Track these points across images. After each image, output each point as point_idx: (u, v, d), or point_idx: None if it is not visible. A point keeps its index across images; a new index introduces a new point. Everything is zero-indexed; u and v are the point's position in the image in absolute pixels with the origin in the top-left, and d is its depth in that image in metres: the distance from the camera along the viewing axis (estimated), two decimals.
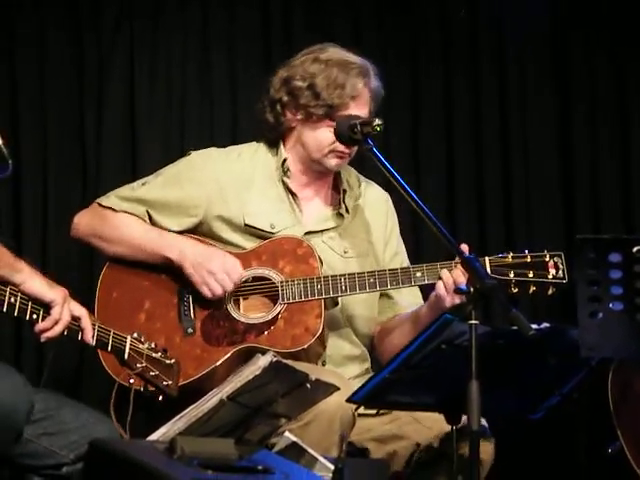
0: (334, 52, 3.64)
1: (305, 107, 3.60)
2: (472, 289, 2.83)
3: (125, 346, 3.21)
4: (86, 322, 3.11)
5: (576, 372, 3.08)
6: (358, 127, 3.39)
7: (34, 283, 3.04)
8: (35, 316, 3.04)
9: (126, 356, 3.21)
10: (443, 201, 4.85)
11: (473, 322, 2.78)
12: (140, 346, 3.25)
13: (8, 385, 2.99)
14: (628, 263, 2.82)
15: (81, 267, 4.40)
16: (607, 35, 4.96)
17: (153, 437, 2.77)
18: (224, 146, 3.78)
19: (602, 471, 3.95)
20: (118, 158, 4.63)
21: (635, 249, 2.82)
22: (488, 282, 2.84)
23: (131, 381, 3.23)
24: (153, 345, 3.29)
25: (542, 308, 4.53)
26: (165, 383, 3.30)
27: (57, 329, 3.05)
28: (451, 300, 3.44)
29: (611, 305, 2.82)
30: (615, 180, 4.94)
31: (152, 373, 3.26)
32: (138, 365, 3.22)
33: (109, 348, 3.18)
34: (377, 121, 3.36)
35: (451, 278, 3.45)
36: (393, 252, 3.75)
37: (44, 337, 3.05)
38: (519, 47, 4.95)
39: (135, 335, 3.26)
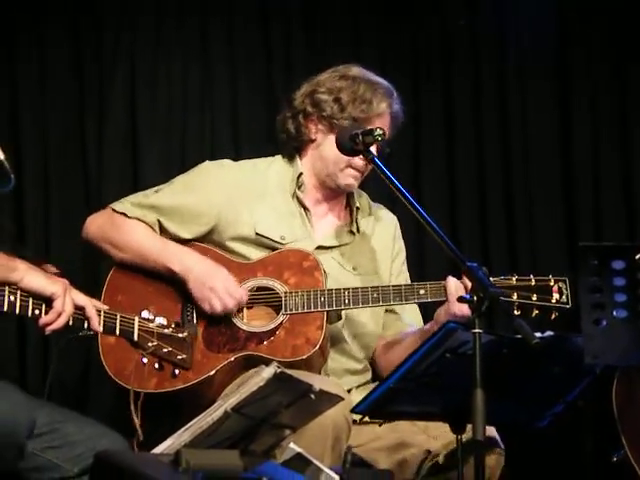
0: (360, 71, 3.68)
1: (330, 118, 3.61)
2: (476, 298, 2.83)
3: (134, 328, 3.22)
4: (90, 310, 3.11)
5: (580, 380, 3.08)
6: (359, 137, 3.40)
7: (33, 278, 3.03)
8: (37, 311, 3.04)
9: (136, 337, 3.22)
10: (446, 210, 4.85)
11: (477, 331, 2.78)
12: (150, 325, 3.26)
13: (8, 403, 2.98)
14: (631, 270, 2.81)
15: (84, 280, 4.40)
16: (609, 44, 4.97)
17: (158, 450, 2.77)
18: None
19: (608, 478, 3.94)
20: (120, 171, 4.66)
21: (638, 256, 2.81)
22: (492, 291, 2.84)
23: (144, 361, 3.25)
24: (164, 322, 3.30)
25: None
26: (180, 357, 3.34)
27: (61, 321, 3.05)
28: (459, 308, 3.44)
29: (615, 312, 2.82)
30: (617, 188, 4.94)
31: (165, 350, 3.29)
32: (149, 344, 3.25)
33: (117, 332, 3.19)
34: (378, 130, 3.37)
35: (461, 284, 3.45)
36: (397, 272, 3.76)
37: (49, 330, 3.05)
38: (520, 57, 4.96)
39: (144, 315, 3.27)
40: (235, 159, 3.77)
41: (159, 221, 3.62)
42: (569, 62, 4.98)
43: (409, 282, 3.76)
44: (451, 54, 4.95)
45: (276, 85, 4.75)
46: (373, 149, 3.46)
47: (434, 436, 3.39)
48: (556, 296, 3.53)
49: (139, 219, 3.61)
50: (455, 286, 3.45)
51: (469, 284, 3.36)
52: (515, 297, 3.52)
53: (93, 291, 3.40)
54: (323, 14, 4.89)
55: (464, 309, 3.38)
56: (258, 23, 4.82)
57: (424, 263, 4.62)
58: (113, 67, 4.67)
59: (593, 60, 4.97)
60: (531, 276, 3.55)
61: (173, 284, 3.55)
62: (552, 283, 3.55)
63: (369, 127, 3.48)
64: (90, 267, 4.35)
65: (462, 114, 4.93)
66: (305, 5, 4.87)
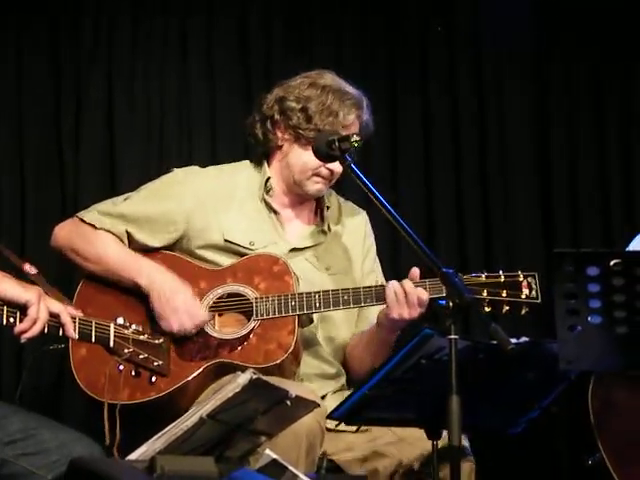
0: (331, 79, 3.67)
1: (295, 128, 3.62)
2: (451, 303, 2.84)
3: (109, 334, 3.22)
4: (65, 317, 3.11)
5: (555, 386, 3.09)
6: (336, 143, 3.40)
7: (6, 286, 3.03)
8: (12, 319, 3.03)
9: (112, 344, 3.22)
10: (422, 217, 4.85)
11: (453, 337, 2.78)
12: (125, 331, 3.26)
13: None
14: (606, 276, 2.82)
15: (59, 281, 4.38)
16: (588, 46, 4.98)
17: (133, 456, 2.76)
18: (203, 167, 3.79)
19: None
20: (96, 170, 4.64)
21: (613, 262, 2.82)
22: (467, 297, 2.85)
23: (120, 368, 3.24)
24: (140, 328, 3.29)
25: (521, 322, 4.54)
26: (156, 364, 3.34)
27: (36, 328, 3.04)
28: (400, 311, 3.44)
29: (589, 318, 2.83)
30: (594, 194, 4.95)
31: (141, 356, 3.30)
32: (126, 351, 3.25)
33: (93, 339, 3.18)
34: (355, 137, 3.37)
35: (401, 288, 3.45)
36: (368, 270, 3.76)
37: (24, 338, 3.05)
38: (497, 64, 4.97)
39: (119, 321, 3.27)
40: (212, 161, 3.76)
41: (127, 232, 3.61)
42: (547, 64, 4.99)
43: (380, 279, 3.75)
44: (429, 56, 4.95)
45: (254, 85, 4.73)
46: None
47: (411, 443, 3.39)
48: (526, 291, 3.54)
49: (107, 230, 3.60)
50: (394, 291, 3.44)
51: (408, 286, 3.38)
52: (485, 294, 3.52)
53: (69, 292, 3.40)
54: (304, 13, 4.88)
55: (404, 313, 3.42)
56: (238, 22, 4.81)
57: (399, 262, 4.62)
58: (90, 67, 4.65)
59: (571, 60, 4.98)
60: (500, 272, 3.55)
61: (143, 296, 3.53)
62: (521, 278, 3.55)
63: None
64: (67, 268, 4.33)
65: (440, 114, 4.94)
66: (286, 4, 4.86)
